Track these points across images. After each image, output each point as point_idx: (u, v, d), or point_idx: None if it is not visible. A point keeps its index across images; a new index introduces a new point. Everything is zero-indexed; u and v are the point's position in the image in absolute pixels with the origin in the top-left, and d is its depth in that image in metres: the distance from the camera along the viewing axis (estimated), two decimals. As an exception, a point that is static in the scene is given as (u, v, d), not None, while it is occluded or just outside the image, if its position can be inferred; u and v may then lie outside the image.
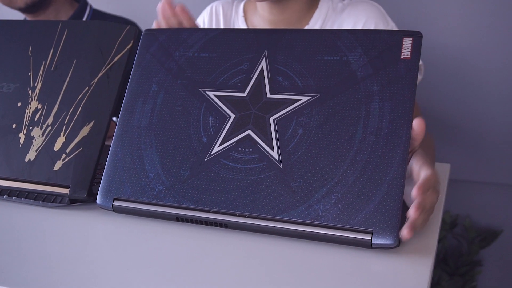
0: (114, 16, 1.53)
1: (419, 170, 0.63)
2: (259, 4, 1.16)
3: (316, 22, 1.15)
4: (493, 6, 1.45)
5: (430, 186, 0.61)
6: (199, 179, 0.68)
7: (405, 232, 0.58)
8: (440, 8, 1.49)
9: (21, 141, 0.77)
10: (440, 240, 1.59)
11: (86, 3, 1.51)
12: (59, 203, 0.74)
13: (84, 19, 1.49)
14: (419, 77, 1.17)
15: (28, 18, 1.50)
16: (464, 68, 1.51)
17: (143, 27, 1.52)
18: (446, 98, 1.55)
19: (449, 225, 1.60)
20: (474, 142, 1.55)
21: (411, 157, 0.67)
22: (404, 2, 1.52)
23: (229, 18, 1.26)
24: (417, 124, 0.63)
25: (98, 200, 0.71)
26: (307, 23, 1.16)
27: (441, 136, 1.57)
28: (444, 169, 0.91)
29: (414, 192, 0.59)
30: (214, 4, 1.29)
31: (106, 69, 0.78)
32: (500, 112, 1.51)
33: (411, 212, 0.59)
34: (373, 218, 0.60)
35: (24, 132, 0.78)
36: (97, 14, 1.50)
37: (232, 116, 0.70)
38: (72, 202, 0.74)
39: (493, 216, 1.61)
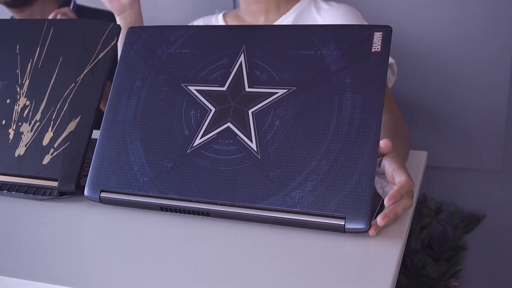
0: (98, 10, 1.56)
1: (393, 173, 0.67)
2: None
3: (291, 14, 1.22)
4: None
5: (402, 195, 0.65)
6: (182, 170, 0.72)
7: (378, 220, 0.62)
8: (417, 2, 1.53)
9: (11, 136, 0.81)
10: (425, 226, 1.63)
11: None
12: (49, 195, 0.77)
13: None
14: (393, 79, 1.23)
15: (13, 13, 1.53)
16: (442, 57, 1.55)
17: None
18: (431, 91, 1.59)
19: (434, 212, 1.64)
20: (458, 130, 1.60)
21: (381, 159, 0.71)
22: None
23: None
24: (384, 144, 0.68)
25: (85, 192, 0.75)
26: (285, 13, 1.23)
27: (425, 125, 1.61)
28: (420, 157, 0.95)
29: (386, 203, 0.63)
30: (195, 21, 1.36)
31: (91, 66, 0.82)
32: (481, 99, 1.55)
33: (378, 220, 0.63)
34: (346, 204, 0.64)
35: (13, 128, 0.81)
36: (80, 9, 1.53)
37: (213, 109, 0.74)
38: (61, 194, 0.77)
39: (477, 201, 1.66)
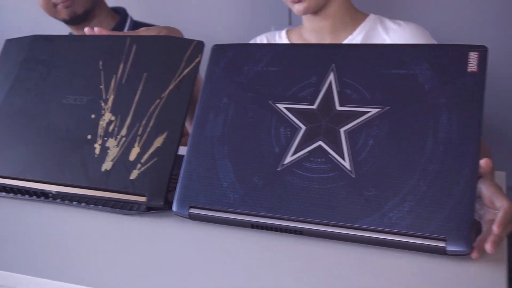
0: (154, 26, 1.59)
1: (491, 197, 0.67)
2: (304, 16, 1.25)
3: (359, 33, 1.23)
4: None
5: (508, 220, 0.64)
6: (272, 187, 0.73)
7: (488, 247, 0.62)
8: (485, 17, 1.53)
9: (97, 151, 0.83)
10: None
11: (126, 15, 1.59)
12: (136, 210, 0.79)
13: (125, 30, 1.56)
14: None
15: (72, 30, 1.58)
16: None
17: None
18: (501, 105, 1.58)
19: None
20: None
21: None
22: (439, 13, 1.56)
23: None
24: (485, 163, 0.67)
25: (174, 208, 0.76)
26: (351, 33, 1.24)
27: (497, 144, 1.60)
28: (500, 177, 0.95)
29: (495, 229, 0.63)
30: (257, 37, 1.38)
31: (176, 82, 0.84)
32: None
33: (487, 248, 0.62)
34: (447, 225, 0.64)
35: (99, 143, 0.84)
36: (138, 25, 1.57)
37: (303, 127, 0.75)
38: (148, 209, 0.79)
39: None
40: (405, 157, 0.69)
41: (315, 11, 1.22)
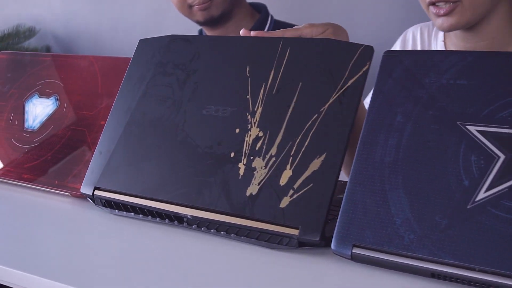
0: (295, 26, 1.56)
1: None
2: (452, 33, 1.14)
3: None
4: None
5: None
6: (461, 229, 0.64)
7: None
8: None
9: (241, 172, 0.78)
10: None
11: (267, 14, 1.56)
12: (286, 245, 0.73)
13: (265, 30, 1.53)
14: None
15: (206, 31, 1.57)
16: None
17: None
18: None
19: None
20: None
21: None
22: None
23: (426, 41, 1.25)
24: None
25: (333, 246, 0.69)
26: None
27: None
28: None
29: None
30: (411, 29, 1.29)
31: (338, 94, 0.77)
32: None
33: None
34: None
35: (244, 163, 0.79)
36: (279, 25, 1.54)
37: (502, 156, 0.66)
38: (300, 245, 0.73)
39: None
40: None
41: (467, 28, 1.10)
